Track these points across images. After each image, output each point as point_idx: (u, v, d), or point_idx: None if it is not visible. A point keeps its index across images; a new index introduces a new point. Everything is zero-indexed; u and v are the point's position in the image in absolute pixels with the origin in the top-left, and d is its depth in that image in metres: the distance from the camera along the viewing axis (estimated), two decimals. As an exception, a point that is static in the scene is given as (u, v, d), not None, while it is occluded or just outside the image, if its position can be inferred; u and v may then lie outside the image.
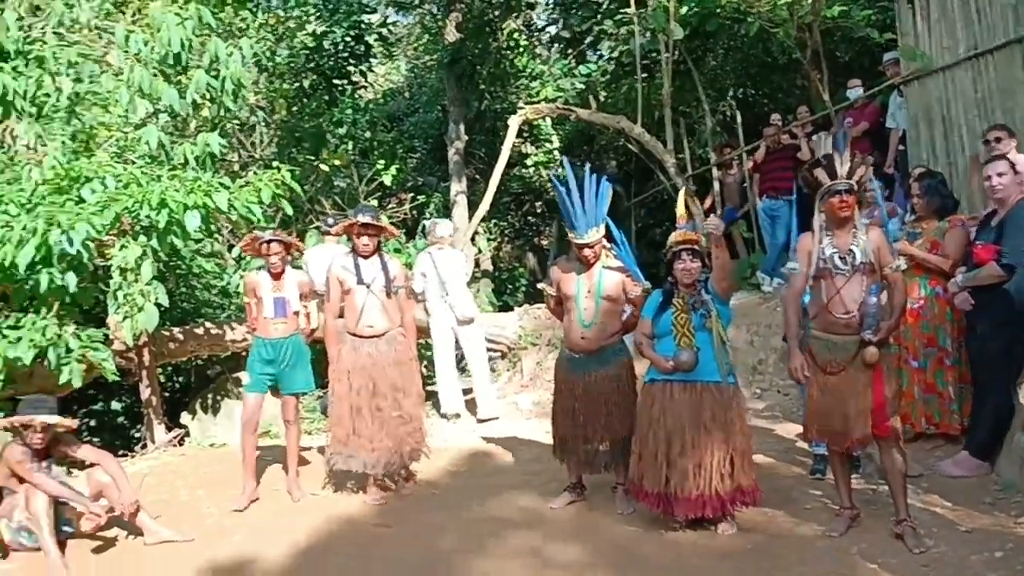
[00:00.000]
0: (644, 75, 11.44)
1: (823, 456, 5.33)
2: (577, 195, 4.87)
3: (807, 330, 4.41)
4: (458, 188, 12.74)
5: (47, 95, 6.54)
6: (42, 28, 7.27)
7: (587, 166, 5.13)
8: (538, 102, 11.48)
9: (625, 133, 11.55)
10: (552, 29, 15.44)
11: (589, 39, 12.55)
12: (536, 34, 15.75)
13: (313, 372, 5.94)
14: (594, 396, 4.95)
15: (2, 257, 5.68)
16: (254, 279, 5.83)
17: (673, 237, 4.74)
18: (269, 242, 5.69)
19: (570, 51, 13.42)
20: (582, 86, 11.70)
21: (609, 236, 5.03)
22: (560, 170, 16.33)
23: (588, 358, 5.00)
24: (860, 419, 4.22)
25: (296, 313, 5.81)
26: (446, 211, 12.50)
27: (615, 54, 12.15)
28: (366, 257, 5.54)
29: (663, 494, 4.56)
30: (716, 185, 10.86)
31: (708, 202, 10.87)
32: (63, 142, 6.47)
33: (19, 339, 5.88)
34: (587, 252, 4.92)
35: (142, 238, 6.26)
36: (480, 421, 7.73)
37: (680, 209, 4.99)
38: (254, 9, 9.45)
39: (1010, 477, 4.85)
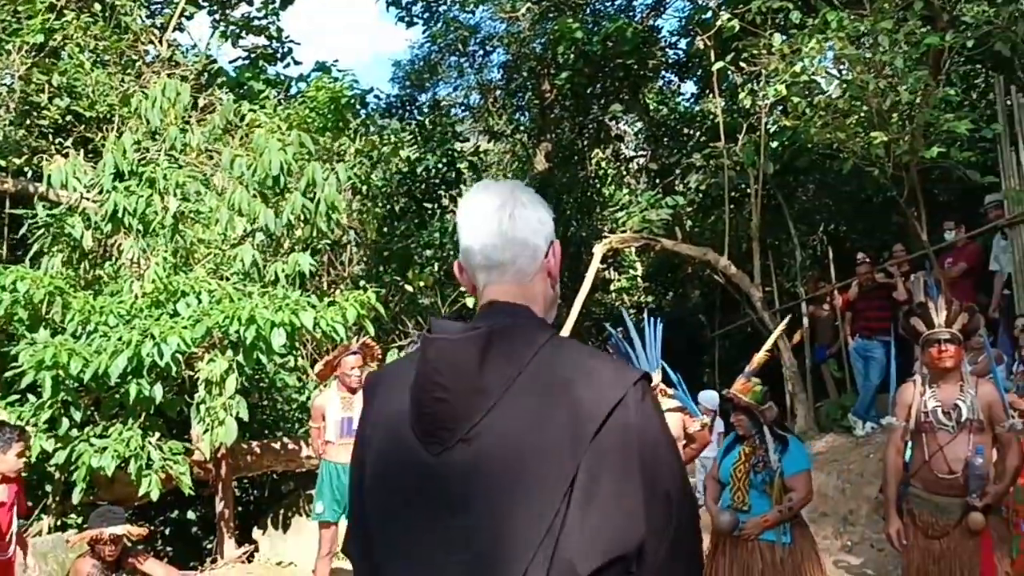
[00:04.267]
0: (732, 207, 11.41)
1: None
2: (637, 342, 4.75)
3: (907, 488, 4.13)
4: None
5: (155, 213, 6.84)
6: (157, 150, 7.66)
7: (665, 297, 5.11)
8: (624, 231, 11.51)
9: (711, 264, 11.45)
10: (640, 160, 15.66)
11: (677, 171, 12.66)
12: (624, 164, 15.99)
13: None
14: None
15: (97, 366, 5.83)
16: (322, 401, 5.82)
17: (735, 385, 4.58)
18: (351, 354, 5.71)
19: (658, 182, 13.55)
20: (668, 216, 11.72)
21: (667, 379, 4.94)
22: (642, 297, 16.36)
23: None
24: None
25: None
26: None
27: (703, 186, 12.19)
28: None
29: None
30: (806, 321, 10.60)
31: (797, 338, 10.57)
32: (164, 258, 6.72)
33: (104, 449, 5.96)
34: None
35: (229, 353, 6.36)
36: None
37: (760, 354, 4.81)
38: (352, 136, 9.85)
39: None
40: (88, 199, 7.17)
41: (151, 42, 10.36)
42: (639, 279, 16.50)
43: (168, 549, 9.35)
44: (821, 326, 10.50)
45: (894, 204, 10.36)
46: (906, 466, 4.21)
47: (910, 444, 4.18)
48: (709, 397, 9.03)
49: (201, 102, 9.03)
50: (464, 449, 1.39)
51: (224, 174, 7.36)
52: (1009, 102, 8.01)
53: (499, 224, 1.52)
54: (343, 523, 5.73)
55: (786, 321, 10.38)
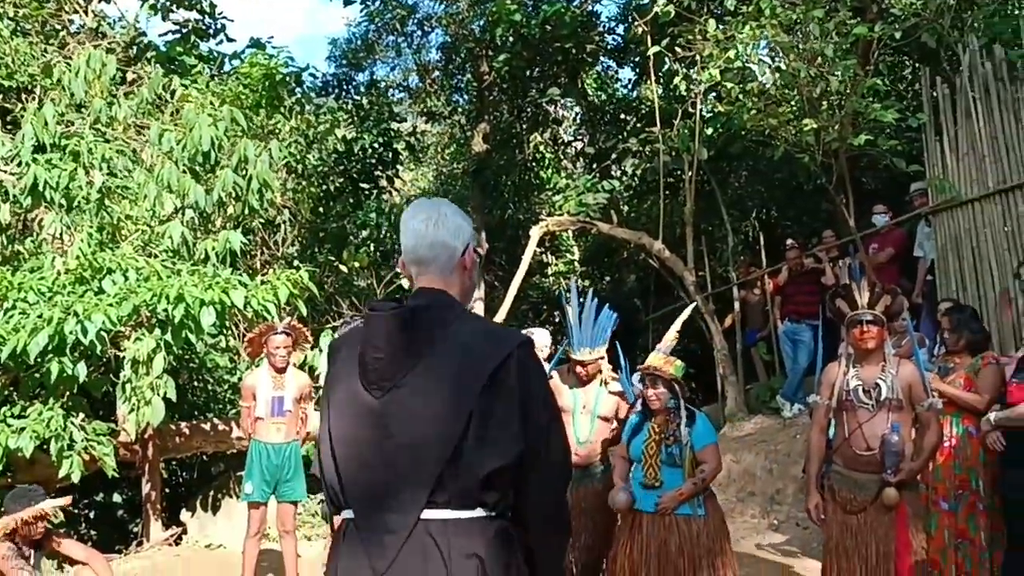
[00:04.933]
0: (667, 193, 11.53)
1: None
2: (577, 313, 5.03)
3: (828, 465, 4.23)
4: (477, 294, 12.75)
5: (79, 187, 6.62)
6: (82, 123, 7.42)
7: (600, 282, 5.28)
8: (561, 214, 11.56)
9: (646, 248, 11.57)
10: (578, 144, 15.72)
11: (614, 155, 12.74)
12: (562, 148, 16.03)
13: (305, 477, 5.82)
14: (578, 512, 4.80)
15: (15, 344, 5.64)
16: (252, 380, 5.75)
17: (648, 359, 4.65)
18: (278, 333, 5.64)
19: (595, 166, 13.61)
20: (605, 200, 11.79)
21: (615, 363, 5.14)
22: (578, 281, 16.46)
23: (579, 473, 4.87)
24: (883, 565, 3.99)
25: (290, 412, 5.68)
26: (464, 316, 12.45)
27: (639, 171, 12.29)
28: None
29: None
30: (737, 305, 10.78)
31: (728, 322, 10.76)
32: (89, 234, 6.52)
33: (22, 429, 5.78)
34: (580, 369, 5.02)
35: (157, 331, 6.22)
36: None
37: (671, 333, 4.91)
38: (287, 114, 9.65)
39: (1045, 634, 4.56)
40: (5, 172, 6.91)
41: (76, 12, 10.00)
42: (576, 263, 16.56)
43: (92, 533, 9.14)
44: (751, 310, 10.69)
45: (823, 191, 10.58)
46: (829, 444, 4.31)
47: (833, 423, 4.28)
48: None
49: (129, 76, 8.77)
50: (396, 393, 1.98)
51: (153, 149, 7.16)
52: (934, 93, 8.24)
53: (426, 231, 2.11)
54: (272, 504, 5.67)
55: (710, 303, 10.62)
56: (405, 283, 11.65)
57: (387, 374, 1.99)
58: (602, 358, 5.08)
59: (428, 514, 1.92)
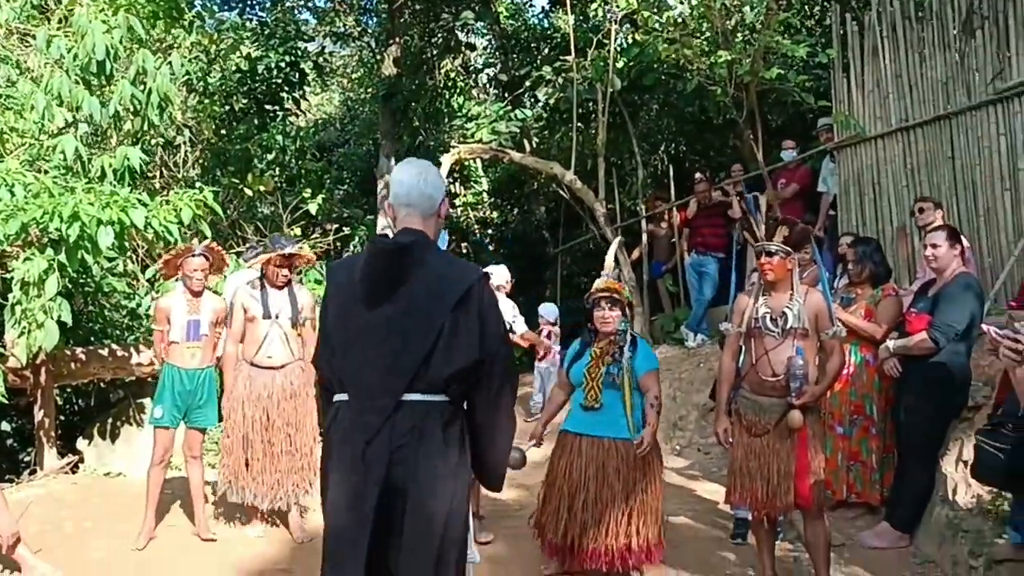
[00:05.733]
0: (579, 124, 11.50)
1: (744, 520, 5.25)
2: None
3: (737, 390, 4.34)
4: (385, 222, 12.51)
5: (-44, 95, 6.15)
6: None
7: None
8: (473, 143, 11.40)
9: (557, 179, 11.56)
10: (490, 71, 15.46)
11: (527, 84, 12.59)
12: (474, 75, 15.75)
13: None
14: None
15: None
16: (167, 303, 5.53)
17: (596, 284, 4.70)
18: (195, 255, 5.43)
19: (507, 95, 13.44)
20: (517, 130, 11.66)
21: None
22: (487, 213, 16.38)
23: None
24: (784, 484, 4.14)
25: (205, 336, 5.52)
26: (372, 245, 12.25)
27: (552, 100, 12.19)
28: (279, 288, 5.40)
29: (564, 546, 4.43)
30: (645, 238, 10.91)
31: (636, 254, 10.89)
32: (-31, 146, 6.08)
33: (-100, 352, 5.43)
34: None
35: (49, 252, 5.87)
36: None
37: (609, 259, 4.94)
38: (188, 27, 9.13)
39: (929, 551, 4.84)
40: None
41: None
42: (485, 194, 16.46)
43: (-22, 462, 8.76)
44: (658, 243, 10.84)
45: (732, 126, 10.73)
46: (739, 370, 4.42)
47: (743, 349, 4.38)
48: (549, 310, 9.21)
49: (11, -22, 8.11)
50: (387, 307, 2.63)
51: (40, 57, 6.67)
52: (843, 30, 8.37)
53: (416, 183, 2.73)
54: (181, 430, 5.52)
55: (619, 234, 10.73)
56: (313, 209, 11.32)
57: (379, 293, 2.63)
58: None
59: (406, 397, 2.59)
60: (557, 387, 4.91)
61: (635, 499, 4.37)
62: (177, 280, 5.68)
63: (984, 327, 4.16)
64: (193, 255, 5.45)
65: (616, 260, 10.41)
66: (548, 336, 8.81)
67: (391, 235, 2.75)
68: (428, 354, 2.58)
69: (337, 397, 2.70)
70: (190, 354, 5.44)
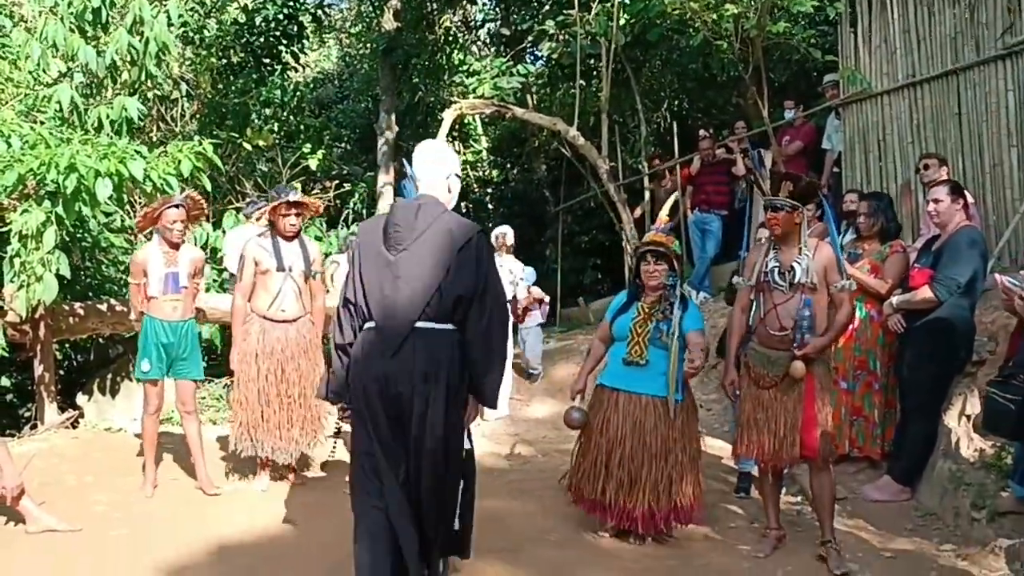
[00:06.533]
0: (582, 81, 11.36)
1: (748, 474, 5.30)
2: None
3: (747, 344, 4.32)
4: (385, 179, 12.42)
5: (-50, 45, 6.04)
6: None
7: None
8: (475, 99, 11.27)
9: (560, 136, 11.45)
10: (491, 26, 15.26)
11: (529, 39, 12.42)
12: (475, 30, 15.54)
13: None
14: None
15: None
16: (143, 256, 5.42)
17: (644, 237, 4.66)
18: (176, 206, 5.33)
19: (508, 50, 13.26)
20: (519, 85, 11.52)
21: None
22: (488, 172, 16.26)
23: None
24: (790, 437, 4.14)
25: (185, 288, 5.45)
26: (371, 202, 12.16)
27: (555, 55, 12.02)
28: (289, 239, 5.34)
29: (599, 502, 4.42)
30: (647, 195, 10.83)
31: (638, 212, 10.84)
32: (-36, 96, 5.97)
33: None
34: None
35: (47, 204, 5.80)
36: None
37: (664, 212, 4.86)
38: (182, -24, 8.96)
39: (930, 504, 4.86)
40: None
41: None
42: (485, 153, 16.31)
43: (-22, 418, 8.76)
44: (661, 201, 10.74)
45: (736, 83, 10.61)
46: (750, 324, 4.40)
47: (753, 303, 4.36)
48: (529, 272, 9.14)
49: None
50: (406, 253, 3.33)
51: (34, 4, 6.54)
52: (851, -17, 8.23)
53: (433, 163, 3.55)
54: (169, 382, 5.49)
55: (620, 192, 10.65)
56: (313, 164, 11.17)
57: (401, 241, 3.35)
58: None
59: (419, 324, 3.29)
60: (598, 340, 4.82)
61: (673, 459, 4.37)
62: (155, 231, 5.53)
63: (996, 277, 4.15)
64: (172, 205, 5.34)
65: (621, 218, 10.37)
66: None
67: (389, 191, 3.22)
68: (437, 288, 3.27)
69: (367, 325, 3.37)
70: (171, 307, 5.36)
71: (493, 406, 3.49)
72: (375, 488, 3.27)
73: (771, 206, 4.18)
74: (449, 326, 3.29)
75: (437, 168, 3.53)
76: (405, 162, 5.69)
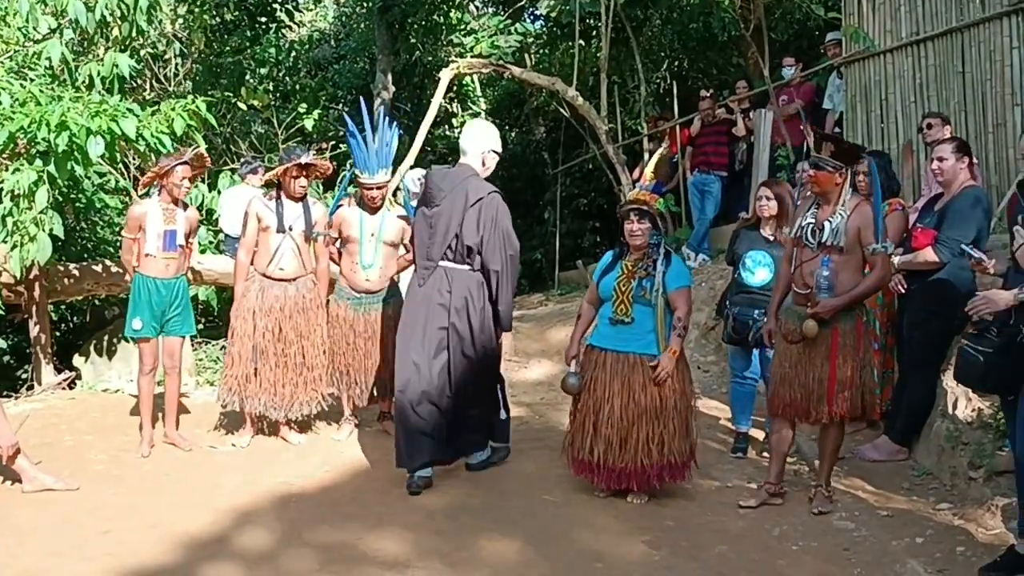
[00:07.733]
0: (580, 41, 11.21)
1: (745, 435, 5.32)
2: (370, 136, 5.14)
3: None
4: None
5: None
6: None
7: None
8: (472, 57, 11.13)
9: (558, 97, 11.33)
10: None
11: (528, -4, 12.26)
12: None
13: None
14: (368, 335, 5.41)
15: None
16: (141, 211, 5.34)
17: (628, 195, 4.65)
18: (185, 163, 5.28)
19: (506, 8, 13.07)
20: (517, 44, 11.38)
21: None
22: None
23: (368, 297, 5.42)
24: (816, 391, 4.17)
25: (181, 247, 5.41)
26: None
27: (553, 14, 11.85)
28: (296, 200, 5.33)
29: (589, 462, 4.41)
30: (647, 157, 10.74)
31: (636, 173, 10.74)
32: (-47, 53, 5.87)
33: None
34: (375, 193, 5.27)
35: (38, 162, 5.73)
36: None
37: (649, 169, 4.81)
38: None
39: (927, 464, 4.86)
40: None
41: None
42: (483, 115, 16.16)
43: (-27, 379, 8.75)
44: (660, 162, 10.66)
45: (736, 43, 10.48)
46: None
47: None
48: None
49: None
50: (437, 208, 4.61)
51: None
52: (857, -62, 8.08)
53: (472, 139, 4.73)
54: (162, 340, 5.46)
55: (620, 153, 10.56)
56: (308, 125, 11.05)
57: (436, 198, 4.57)
58: (388, 181, 5.36)
59: (443, 264, 4.57)
60: (587, 303, 4.78)
61: (663, 416, 4.34)
62: (156, 188, 5.46)
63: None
64: (182, 162, 5.28)
65: (619, 180, 10.29)
66: None
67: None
68: (456, 235, 4.51)
69: (417, 260, 4.68)
70: (165, 264, 5.31)
71: (507, 329, 4.78)
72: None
73: (813, 164, 4.22)
74: (465, 267, 4.54)
75: (476, 143, 4.66)
76: (403, 182, 6.05)
